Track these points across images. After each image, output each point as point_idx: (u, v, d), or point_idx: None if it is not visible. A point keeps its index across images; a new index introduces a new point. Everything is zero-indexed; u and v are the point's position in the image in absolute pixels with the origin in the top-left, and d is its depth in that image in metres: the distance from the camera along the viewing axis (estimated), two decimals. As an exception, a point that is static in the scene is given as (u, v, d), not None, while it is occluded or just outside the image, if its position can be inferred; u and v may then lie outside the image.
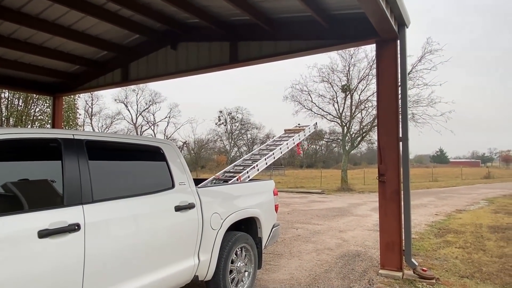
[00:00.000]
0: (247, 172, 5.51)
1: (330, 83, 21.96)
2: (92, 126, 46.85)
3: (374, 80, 21.16)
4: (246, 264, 4.14)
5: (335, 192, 19.71)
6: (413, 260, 4.95)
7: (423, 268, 4.90)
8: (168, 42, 7.44)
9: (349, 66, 21.19)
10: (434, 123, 19.43)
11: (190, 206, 3.28)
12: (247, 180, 5.37)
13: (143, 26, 7.12)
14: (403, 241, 5.02)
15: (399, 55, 5.12)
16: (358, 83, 21.25)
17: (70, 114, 21.91)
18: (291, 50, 5.91)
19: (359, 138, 22.66)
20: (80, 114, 27.31)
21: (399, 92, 5.07)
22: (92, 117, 46.92)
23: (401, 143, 5.04)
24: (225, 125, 60.71)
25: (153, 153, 3.28)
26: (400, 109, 5.04)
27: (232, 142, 59.55)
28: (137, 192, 2.95)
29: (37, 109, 23.41)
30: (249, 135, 60.01)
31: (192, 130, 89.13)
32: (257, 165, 5.78)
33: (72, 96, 22.10)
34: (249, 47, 6.40)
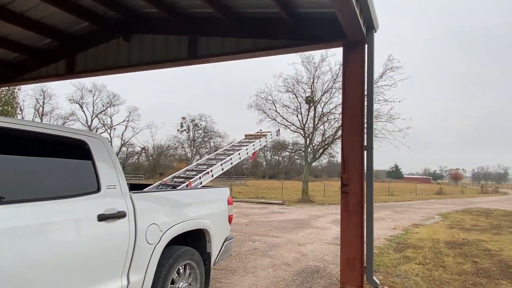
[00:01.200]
0: (200, 178, 4.95)
1: (294, 94, 21.96)
2: (43, 126, 43.77)
3: (337, 94, 21.53)
4: (190, 285, 3.56)
5: (296, 204, 19.47)
6: (374, 278, 4.60)
7: (385, 287, 4.57)
8: (121, 33, 6.75)
9: (313, 78, 21.32)
10: (392, 138, 19.92)
11: (119, 215, 2.67)
12: (199, 187, 4.81)
13: (93, 12, 6.41)
14: (365, 257, 4.67)
15: (366, 59, 4.86)
16: (322, 95, 21.43)
17: (9, 109, 19.90)
18: (255, 48, 5.49)
19: (321, 150, 22.75)
20: (21, 110, 24.95)
21: (365, 98, 4.79)
22: (43, 116, 43.94)
23: (365, 152, 4.73)
24: (187, 132, 59.36)
25: (74, 148, 2.65)
26: (365, 116, 4.75)
27: (194, 149, 58.21)
28: (47, 195, 2.32)
29: None
30: (212, 143, 59.00)
31: (152, 135, 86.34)
32: (211, 171, 5.23)
33: (10, 89, 20.13)
34: (210, 42, 5.90)
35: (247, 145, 6.44)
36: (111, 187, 2.73)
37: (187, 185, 4.67)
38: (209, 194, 4.14)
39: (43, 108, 44.42)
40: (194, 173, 5.22)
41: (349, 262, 4.62)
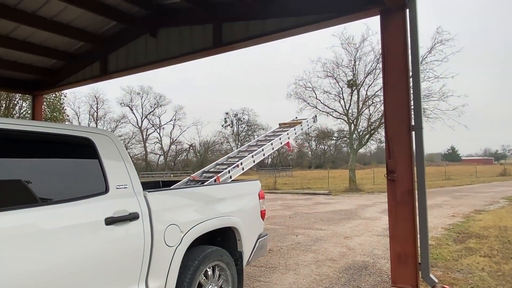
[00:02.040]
0: (229, 171, 4.66)
1: (335, 79, 21.02)
2: (97, 130, 46.53)
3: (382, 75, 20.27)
4: (221, 287, 3.29)
5: (343, 193, 18.73)
6: (431, 275, 4.03)
7: (444, 286, 3.99)
8: (147, 29, 6.65)
9: (354, 60, 20.24)
10: (446, 118, 18.33)
11: (132, 217, 2.44)
12: (228, 181, 4.53)
13: (118, 11, 6.34)
14: (419, 252, 4.11)
15: (408, 27, 4.23)
16: (365, 77, 20.30)
17: (58, 115, 21.08)
18: (281, 28, 5.06)
19: (367, 136, 21.62)
20: (68, 115, 26.39)
21: (410, 70, 4.18)
22: (98, 121, 46.68)
23: (413, 132, 4.13)
24: (231, 127, 60.13)
25: (79, 147, 2.46)
26: (411, 91, 4.15)
27: (239, 143, 58.77)
28: (49, 198, 2.14)
29: (21, 110, 22.60)
30: (256, 136, 59.19)
31: (197, 132, 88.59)
32: (241, 163, 4.92)
33: (57, 95, 21.27)
34: (234, 28, 5.57)
35: (280, 134, 6.04)
36: (121, 187, 2.50)
37: (215, 180, 4.40)
38: (238, 189, 3.83)
39: (97, 113, 47.21)
40: (225, 167, 4.94)
41: (400, 258, 4.09)
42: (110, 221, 2.30)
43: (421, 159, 4.13)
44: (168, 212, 2.77)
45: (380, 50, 18.92)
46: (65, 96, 22.34)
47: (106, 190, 2.42)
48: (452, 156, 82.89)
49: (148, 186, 4.68)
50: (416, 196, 4.10)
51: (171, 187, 4.28)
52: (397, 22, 4.23)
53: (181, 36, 6.28)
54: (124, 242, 2.38)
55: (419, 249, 4.10)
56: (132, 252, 2.42)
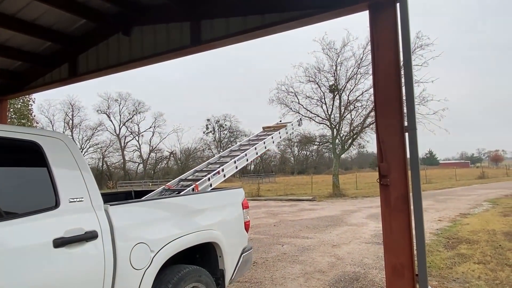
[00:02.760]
0: (209, 179, 4.25)
1: (317, 84, 20.90)
2: (73, 138, 45.06)
3: (363, 79, 20.25)
4: (200, 311, 2.88)
5: (327, 198, 18.51)
6: (429, 287, 3.73)
7: (444, 299, 3.69)
8: (120, 28, 6.19)
9: (336, 65, 20.20)
10: (427, 122, 18.46)
11: (88, 237, 2.02)
12: (208, 190, 4.13)
13: (88, 8, 5.88)
14: (416, 262, 3.81)
15: (399, 23, 3.97)
16: (346, 82, 20.28)
17: (25, 122, 19.97)
18: (263, 24, 4.74)
19: (349, 141, 21.59)
20: (37, 123, 25.13)
21: (402, 68, 3.92)
22: (73, 129, 45.17)
23: (407, 134, 3.85)
24: (213, 134, 59.48)
25: (22, 152, 2.02)
26: (403, 90, 3.88)
27: (221, 150, 58.13)
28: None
29: None
30: (238, 143, 58.69)
31: (178, 139, 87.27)
32: (223, 170, 4.52)
33: (24, 101, 20.19)
34: (214, 25, 5.21)
35: (264, 138, 5.69)
36: (75, 200, 2.07)
37: (193, 189, 3.99)
38: (219, 198, 3.44)
39: (72, 120, 45.66)
40: (204, 174, 4.54)
41: (396, 269, 3.77)
42: (59, 243, 1.88)
43: (416, 162, 3.84)
44: (135, 228, 2.35)
45: (362, 55, 18.91)
46: (33, 102, 21.26)
47: (56, 204, 1.99)
48: (430, 160, 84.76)
49: (119, 197, 4.21)
50: (412, 202, 3.82)
51: (142, 198, 3.85)
52: (387, 18, 3.97)
53: (156, 34, 5.86)
54: (79, 267, 1.95)
55: (415, 259, 3.81)
56: (89, 278, 2.00)
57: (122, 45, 6.28)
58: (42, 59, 7.28)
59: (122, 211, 2.34)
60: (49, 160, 2.04)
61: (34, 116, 22.65)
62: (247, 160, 5.10)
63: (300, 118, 7.30)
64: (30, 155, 2.03)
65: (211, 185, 4.24)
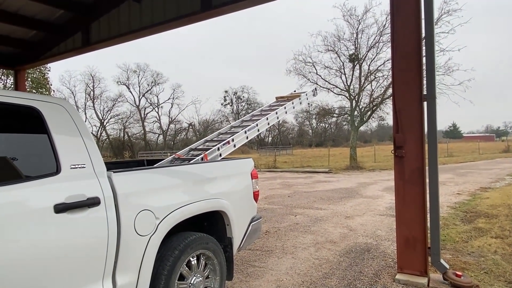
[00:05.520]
0: (218, 149, 4.21)
1: (336, 53, 20.20)
2: (94, 109, 45.97)
3: (385, 48, 19.43)
4: (208, 277, 2.92)
5: (343, 171, 18.38)
6: (442, 261, 3.67)
7: (456, 272, 3.62)
8: (131, -7, 6.06)
9: (356, 33, 19.39)
10: (451, 93, 17.70)
11: (90, 203, 2.01)
12: (217, 160, 4.09)
13: (98, -27, 5.76)
14: (429, 236, 3.73)
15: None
16: (367, 51, 19.50)
17: (44, 91, 20.33)
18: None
19: (369, 113, 21.04)
20: (54, 91, 25.51)
21: (423, 32, 3.66)
22: (95, 100, 45.94)
23: (425, 103, 3.66)
24: (231, 106, 59.41)
25: (22, 118, 2.00)
26: (424, 56, 3.65)
27: (239, 122, 58.11)
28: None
29: (6, 88, 21.95)
30: (250, 113, 58.47)
31: (196, 110, 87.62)
32: (233, 140, 4.47)
33: (41, 70, 20.52)
34: (225, -11, 5.00)
35: (277, 108, 5.56)
36: (77, 166, 2.06)
37: (202, 158, 3.97)
38: (227, 167, 3.40)
39: (93, 91, 46.29)
40: (214, 143, 4.49)
41: (408, 242, 3.71)
42: (61, 208, 1.88)
43: (434, 133, 3.68)
44: (139, 195, 2.35)
45: (385, 22, 17.93)
46: (49, 71, 21.52)
47: (57, 170, 1.98)
48: (453, 133, 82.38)
49: (130, 165, 4.25)
50: (427, 175, 3.68)
51: (157, 164, 3.86)
52: (409, -24, 3.68)
53: (166, 0, 5.70)
54: (81, 232, 1.96)
55: (428, 232, 3.73)
56: (92, 244, 2.01)
57: (132, 12, 6.16)
58: (56, 28, 7.26)
59: (126, 179, 2.33)
60: (49, 126, 2.02)
61: (51, 85, 23.01)
62: (258, 130, 5.01)
63: (315, 88, 7.07)
64: (29, 120, 2.01)
65: (220, 155, 4.21)
